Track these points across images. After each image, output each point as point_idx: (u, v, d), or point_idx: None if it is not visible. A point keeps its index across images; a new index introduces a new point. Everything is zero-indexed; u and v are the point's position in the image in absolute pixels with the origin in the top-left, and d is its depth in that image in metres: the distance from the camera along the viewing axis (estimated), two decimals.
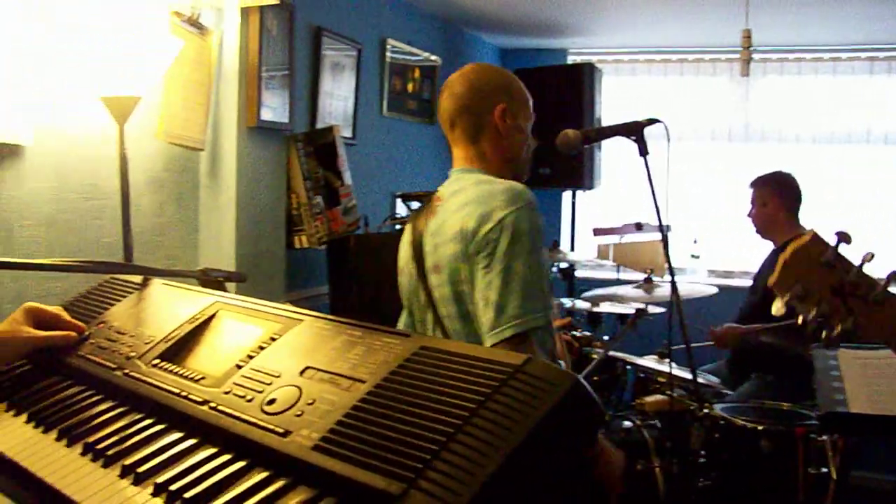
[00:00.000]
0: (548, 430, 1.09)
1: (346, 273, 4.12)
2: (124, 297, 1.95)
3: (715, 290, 5.14)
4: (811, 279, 1.48)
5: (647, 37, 6.63)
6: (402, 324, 2.73)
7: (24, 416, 1.61)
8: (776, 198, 4.72)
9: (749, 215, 4.86)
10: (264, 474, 1.22)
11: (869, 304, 1.48)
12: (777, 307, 1.51)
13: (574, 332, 4.60)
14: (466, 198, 2.41)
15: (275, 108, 3.74)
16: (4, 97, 2.61)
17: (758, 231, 4.87)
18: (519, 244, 2.27)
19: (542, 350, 2.32)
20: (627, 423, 3.80)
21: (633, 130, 3.04)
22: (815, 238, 1.49)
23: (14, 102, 2.64)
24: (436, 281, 2.44)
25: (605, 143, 5.79)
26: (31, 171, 2.81)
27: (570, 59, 7.12)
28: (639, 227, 5.46)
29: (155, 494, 1.25)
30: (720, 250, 6.66)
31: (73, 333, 1.80)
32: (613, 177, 6.61)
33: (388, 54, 5.33)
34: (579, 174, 5.96)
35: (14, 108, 2.65)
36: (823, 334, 1.49)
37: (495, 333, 2.24)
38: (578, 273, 6.33)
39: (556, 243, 5.68)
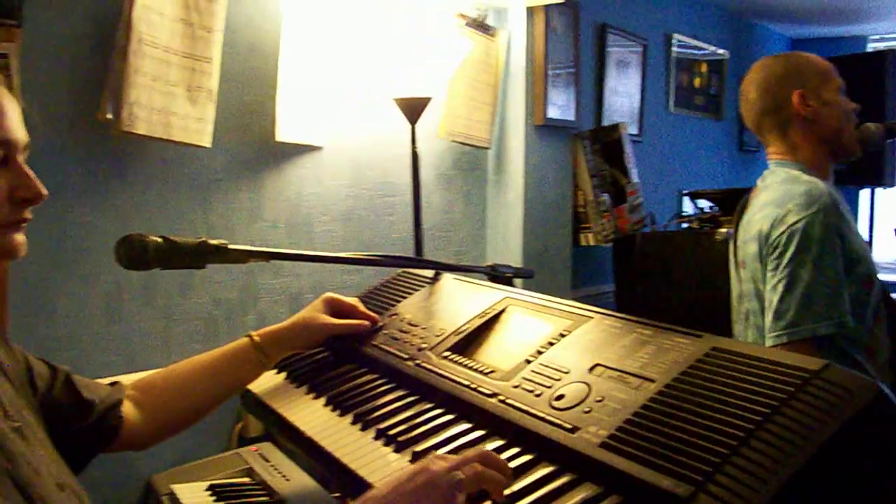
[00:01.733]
0: (846, 442, 1.03)
1: (631, 271, 4.07)
2: (416, 290, 2.01)
3: None
4: None
5: None
6: None
7: (322, 400, 1.69)
8: None
9: None
10: (550, 468, 1.22)
11: None
12: None
13: None
14: (769, 197, 2.36)
15: (561, 106, 3.75)
16: (303, 102, 2.75)
17: None
18: (807, 251, 2.19)
19: (850, 348, 2.24)
20: None
21: None
22: None
23: (311, 107, 2.79)
24: (742, 275, 2.42)
25: None
26: (328, 170, 2.96)
27: (871, 47, 6.70)
28: None
29: None
30: None
31: (367, 322, 1.88)
32: None
33: (674, 49, 5.23)
34: (879, 170, 5.59)
35: (311, 112, 2.79)
36: None
37: (771, 338, 2.20)
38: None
39: None
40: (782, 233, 2.24)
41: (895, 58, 5.70)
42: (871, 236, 6.25)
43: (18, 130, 1.23)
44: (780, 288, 2.21)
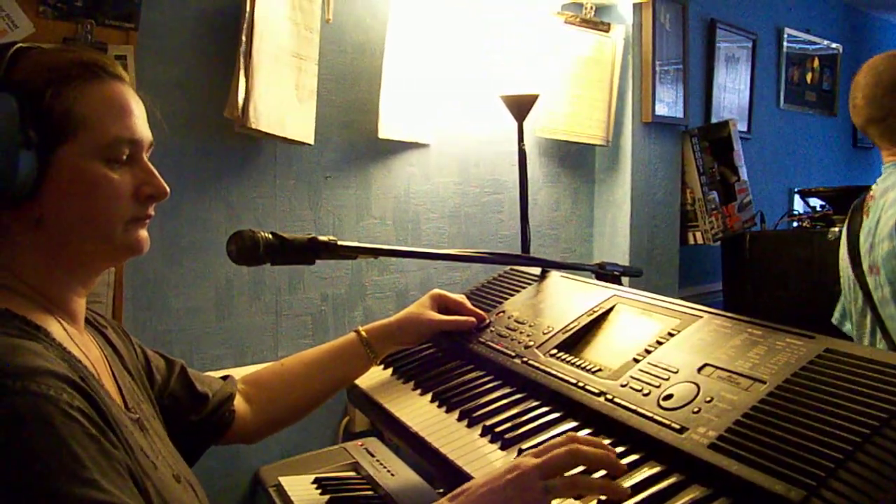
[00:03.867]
0: None
1: (740, 270, 4.00)
2: (523, 287, 2.01)
3: None
4: None
5: None
6: (834, 319, 2.68)
7: (428, 396, 1.70)
8: None
9: None
10: (658, 468, 1.21)
11: None
12: None
13: None
14: None
15: (669, 103, 3.70)
16: (406, 99, 2.78)
17: None
18: None
19: None
20: None
21: None
22: None
23: (415, 104, 2.81)
24: (873, 283, 2.33)
25: None
26: (435, 168, 2.98)
27: None
28: None
29: None
30: None
31: (473, 319, 1.89)
32: None
33: (785, 44, 5.12)
34: None
35: (415, 109, 2.81)
36: None
37: None
38: None
39: None
40: None
41: None
42: None
43: (144, 129, 1.28)
44: None
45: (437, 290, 1.92)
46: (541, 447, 1.21)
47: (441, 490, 1.88)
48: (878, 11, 6.13)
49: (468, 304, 1.92)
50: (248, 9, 2.30)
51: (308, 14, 2.48)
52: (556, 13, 3.25)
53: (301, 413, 1.78)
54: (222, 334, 2.47)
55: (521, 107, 2.91)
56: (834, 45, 5.62)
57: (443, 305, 1.90)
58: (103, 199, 1.22)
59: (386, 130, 2.74)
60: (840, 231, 2.57)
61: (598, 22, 3.38)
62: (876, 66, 2.44)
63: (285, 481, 2.17)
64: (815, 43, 5.43)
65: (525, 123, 2.95)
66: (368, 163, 2.78)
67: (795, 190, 5.07)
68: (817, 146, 5.59)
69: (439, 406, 1.65)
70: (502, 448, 1.41)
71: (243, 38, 2.30)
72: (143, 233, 1.29)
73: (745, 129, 4.67)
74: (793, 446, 1.09)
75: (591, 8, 3.37)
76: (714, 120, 4.30)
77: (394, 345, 1.86)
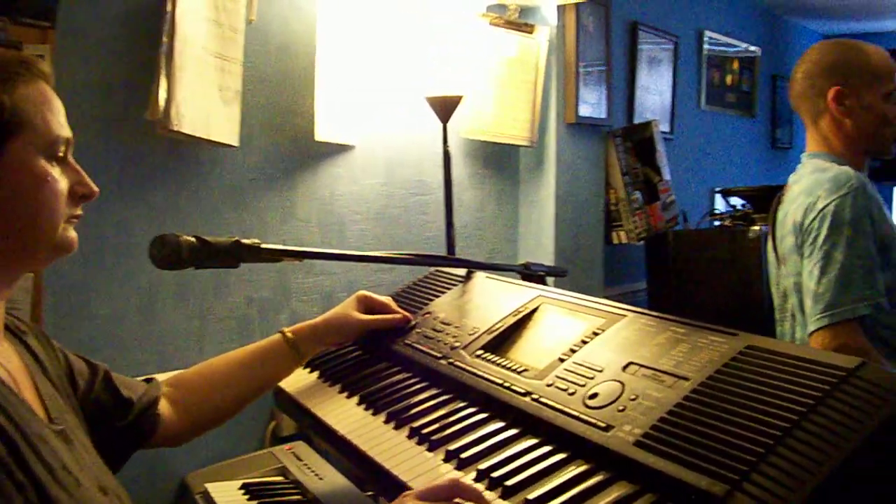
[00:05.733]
0: (882, 442, 1.03)
1: (664, 269, 4.06)
2: (448, 289, 2.02)
3: None
4: None
5: None
6: None
7: (355, 398, 1.70)
8: None
9: None
10: (584, 467, 1.22)
11: None
12: None
13: None
14: (801, 188, 2.38)
15: (593, 104, 3.74)
16: (335, 100, 2.76)
17: None
18: (839, 233, 2.20)
19: (877, 339, 2.23)
20: None
21: None
22: None
23: (343, 105, 2.79)
24: (783, 271, 2.42)
25: None
26: (360, 169, 2.96)
27: None
28: None
29: (477, 480, 1.28)
30: None
31: (399, 317, 1.89)
32: None
33: (706, 46, 5.20)
34: None
35: (343, 111, 2.80)
36: None
37: (813, 322, 2.20)
38: None
39: None
40: (814, 218, 2.25)
41: None
42: None
43: (68, 128, 1.27)
44: (816, 272, 2.21)
45: (362, 292, 1.92)
46: (426, 489, 1.21)
47: (371, 493, 1.87)
48: (793, 16, 6.28)
49: (394, 305, 1.93)
50: (168, 8, 2.26)
51: (231, 14, 2.45)
52: (482, 15, 3.26)
53: (227, 415, 1.76)
54: (146, 339, 2.43)
55: (445, 108, 2.92)
56: (752, 48, 5.73)
57: (369, 307, 1.90)
58: (50, 195, 1.21)
59: (323, 133, 2.72)
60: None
61: (522, 24, 3.40)
62: (822, 48, 2.53)
63: (212, 488, 2.15)
64: (734, 45, 5.53)
65: (450, 125, 2.95)
66: (293, 165, 2.75)
67: (717, 189, 5.15)
68: (737, 146, 5.70)
69: (366, 409, 1.64)
70: (430, 450, 1.41)
71: (164, 39, 2.26)
72: (73, 232, 1.29)
73: (667, 129, 4.73)
74: (716, 442, 1.10)
75: (516, 10, 3.39)
76: (637, 121, 4.35)
77: (320, 346, 1.85)
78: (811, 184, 2.32)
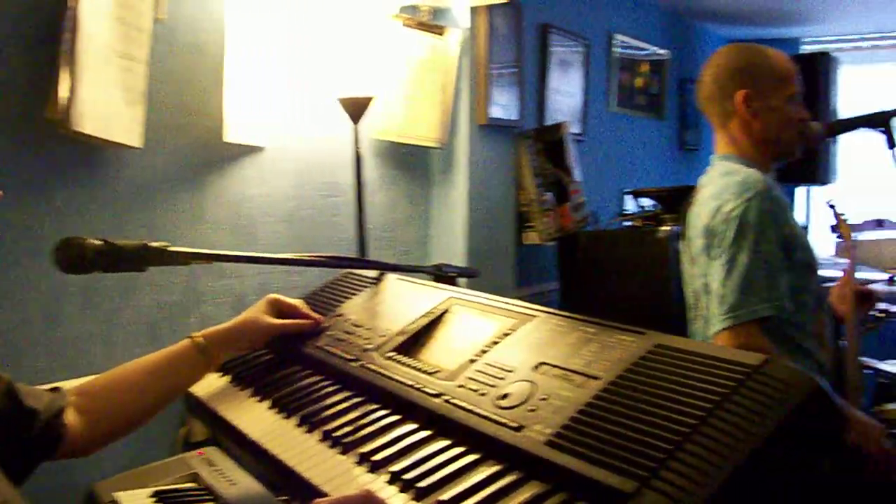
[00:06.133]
0: (786, 435, 1.05)
1: (575, 269, 4.10)
2: (360, 291, 2.01)
3: None
4: None
5: (888, 20, 6.25)
6: None
7: (267, 402, 1.68)
8: None
9: None
10: (496, 467, 1.22)
11: None
12: None
13: None
14: (709, 191, 2.42)
15: (504, 106, 3.76)
16: (244, 101, 2.73)
17: None
18: (744, 236, 2.25)
19: (797, 335, 2.30)
20: None
21: (880, 121, 2.86)
22: None
23: (254, 106, 2.77)
24: (694, 272, 2.48)
25: (842, 136, 5.53)
26: (271, 171, 2.94)
27: (804, 49, 6.85)
28: (880, 223, 5.17)
29: (390, 482, 1.27)
30: None
31: (310, 321, 1.88)
32: (851, 171, 6.26)
33: (616, 49, 5.27)
34: (815, 168, 5.69)
35: (254, 112, 2.77)
36: None
37: (716, 323, 2.24)
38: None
39: None
40: (721, 221, 2.29)
41: (826, 59, 5.80)
42: (807, 232, 6.34)
43: None
44: (721, 274, 2.26)
45: (273, 295, 1.90)
46: (336, 499, 1.21)
47: (284, 498, 1.86)
48: (700, 21, 6.41)
49: (305, 308, 1.91)
50: (71, 4, 2.20)
51: (137, 12, 2.40)
52: (394, 16, 3.26)
53: (136, 423, 1.73)
54: (51, 346, 2.37)
55: (357, 109, 2.91)
56: (662, 51, 5.83)
57: (280, 310, 1.88)
58: None
59: (232, 134, 2.69)
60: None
61: (434, 25, 3.40)
62: (730, 51, 2.58)
63: (121, 497, 2.10)
64: (643, 49, 5.62)
65: (361, 125, 2.95)
66: (203, 166, 2.72)
67: (627, 190, 5.22)
68: (647, 148, 5.79)
69: (278, 412, 1.63)
70: (343, 453, 1.40)
71: (66, 36, 2.21)
72: None
73: (578, 131, 4.78)
74: (625, 439, 1.11)
75: (428, 11, 3.40)
76: (548, 122, 4.39)
77: (230, 350, 1.82)
78: (720, 188, 2.37)
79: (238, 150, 2.81)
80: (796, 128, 2.52)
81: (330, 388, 1.64)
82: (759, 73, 2.51)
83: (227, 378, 1.86)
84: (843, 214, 2.77)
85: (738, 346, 2.15)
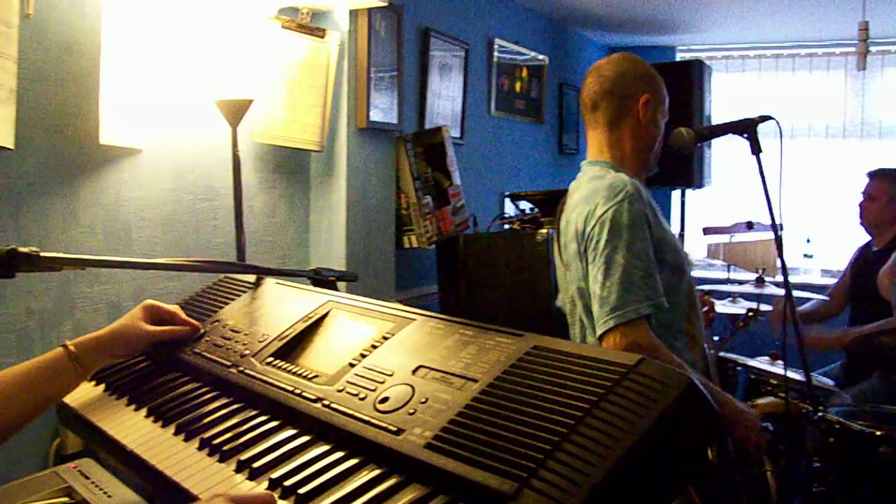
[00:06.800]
0: (661, 432, 1.08)
1: (455, 273, 4.13)
2: (238, 295, 1.99)
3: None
4: None
5: (757, 31, 6.50)
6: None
7: (144, 411, 1.65)
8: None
9: (862, 205, 4.70)
10: (377, 471, 1.23)
11: None
12: None
13: None
14: (580, 196, 2.47)
15: (384, 110, 3.76)
16: (121, 103, 2.67)
17: (864, 223, 4.72)
18: (618, 237, 2.30)
19: (666, 335, 2.35)
20: None
21: (746, 128, 2.97)
22: None
23: (130, 108, 2.71)
24: (569, 277, 2.51)
25: (715, 141, 5.70)
26: (148, 174, 2.88)
27: (679, 57, 7.05)
28: (750, 226, 5.35)
29: (270, 489, 1.26)
30: (834, 249, 6.47)
31: (185, 328, 1.85)
32: (723, 175, 6.47)
33: (496, 54, 5.33)
34: (689, 173, 5.85)
35: (130, 114, 2.71)
36: None
37: (601, 325, 2.28)
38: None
39: None
40: (594, 225, 2.34)
41: (700, 67, 5.97)
42: (682, 234, 6.51)
43: None
44: (599, 276, 2.30)
45: (149, 301, 1.87)
46: (241, 495, 1.21)
47: None
48: (579, 28, 6.53)
49: (182, 314, 1.88)
50: None
51: (4, 7, 2.32)
52: (273, 18, 3.23)
53: (6, 435, 1.67)
54: None
55: (235, 112, 2.88)
56: (541, 57, 5.92)
57: (156, 316, 1.85)
58: None
59: (108, 136, 2.63)
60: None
61: (313, 28, 3.39)
62: (634, 59, 2.66)
63: None
64: (523, 54, 5.69)
65: (240, 129, 2.92)
66: (76, 169, 2.65)
67: (506, 193, 5.28)
68: (526, 152, 5.86)
69: (155, 421, 1.60)
70: (221, 461, 1.39)
71: None
72: None
73: (458, 135, 4.82)
74: (505, 441, 1.13)
75: (308, 14, 3.38)
76: (428, 126, 4.41)
77: (104, 359, 1.78)
78: (589, 192, 2.42)
79: (114, 153, 2.74)
80: (659, 149, 2.64)
81: (208, 395, 1.63)
82: (658, 85, 2.63)
83: (101, 387, 1.82)
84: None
85: (626, 345, 2.20)
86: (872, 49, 5.40)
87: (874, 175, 4.70)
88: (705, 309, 2.86)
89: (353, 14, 3.57)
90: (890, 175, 4.66)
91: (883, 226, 4.65)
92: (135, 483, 1.98)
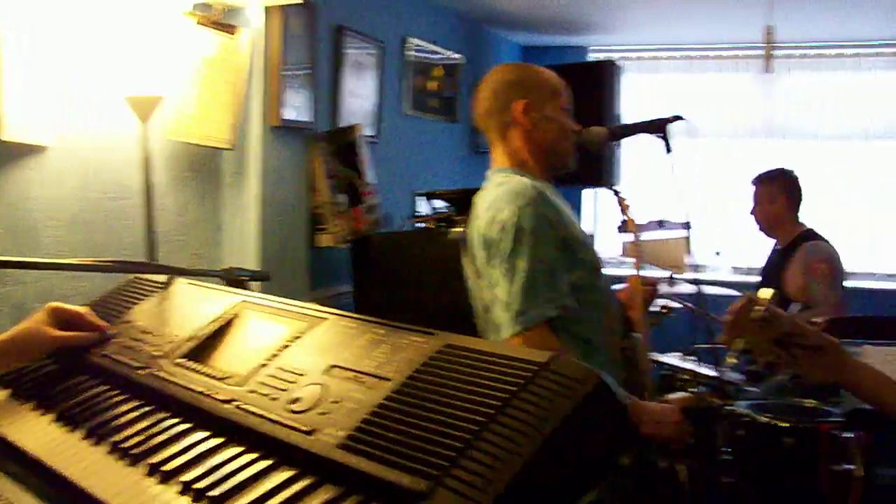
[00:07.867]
0: (572, 428, 1.09)
1: (369, 271, 4.12)
2: (149, 296, 1.96)
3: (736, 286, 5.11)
4: (753, 335, 1.75)
5: (668, 33, 6.62)
6: None
7: (51, 415, 1.61)
8: (784, 195, 4.68)
9: (753, 213, 4.82)
10: (290, 473, 1.22)
11: (808, 350, 1.74)
12: (730, 361, 1.70)
13: None
14: (485, 203, 2.48)
15: (297, 108, 3.75)
16: (26, 98, 2.62)
17: (762, 229, 4.84)
18: (520, 241, 2.31)
19: (570, 337, 2.35)
20: None
21: (658, 127, 3.02)
22: (751, 300, 1.74)
23: (35, 103, 2.65)
24: (482, 284, 2.50)
25: (626, 140, 5.78)
26: (55, 172, 2.83)
27: (591, 57, 7.11)
28: (661, 224, 5.43)
29: (181, 493, 1.24)
30: (743, 247, 6.60)
31: (93, 333, 1.80)
32: (634, 174, 6.56)
33: (410, 53, 5.33)
34: (600, 172, 5.92)
35: (35, 109, 2.66)
36: None
37: (506, 330, 2.30)
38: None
39: None
40: (497, 231, 2.35)
41: (612, 67, 6.06)
42: (594, 233, 6.60)
43: None
44: (504, 282, 2.32)
45: (54, 304, 1.82)
46: None
47: None
48: (494, 27, 6.57)
49: (90, 315, 1.83)
50: None
51: None
52: (186, 13, 3.19)
53: None
54: None
55: (145, 108, 2.85)
56: (456, 56, 5.93)
57: (62, 319, 1.80)
58: None
59: (11, 132, 2.57)
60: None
61: (226, 24, 3.35)
62: (502, 69, 2.68)
63: None
64: (438, 53, 5.70)
65: (151, 126, 2.88)
66: None
67: (420, 192, 5.29)
68: (440, 150, 5.88)
69: (62, 425, 1.56)
70: (131, 464, 1.36)
71: None
72: None
73: (372, 133, 4.81)
74: (417, 439, 1.13)
75: (221, 10, 3.34)
76: (342, 124, 4.39)
77: (8, 363, 1.74)
78: (492, 198, 2.43)
79: (18, 150, 2.68)
80: (571, 138, 2.64)
81: (117, 398, 1.59)
82: (533, 84, 2.61)
83: (5, 392, 1.78)
84: (625, 200, 2.90)
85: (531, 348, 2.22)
86: (778, 53, 5.53)
87: (754, 182, 4.83)
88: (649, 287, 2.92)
89: (267, 11, 3.55)
90: (765, 178, 4.78)
91: (776, 226, 4.77)
92: (41, 491, 1.94)
